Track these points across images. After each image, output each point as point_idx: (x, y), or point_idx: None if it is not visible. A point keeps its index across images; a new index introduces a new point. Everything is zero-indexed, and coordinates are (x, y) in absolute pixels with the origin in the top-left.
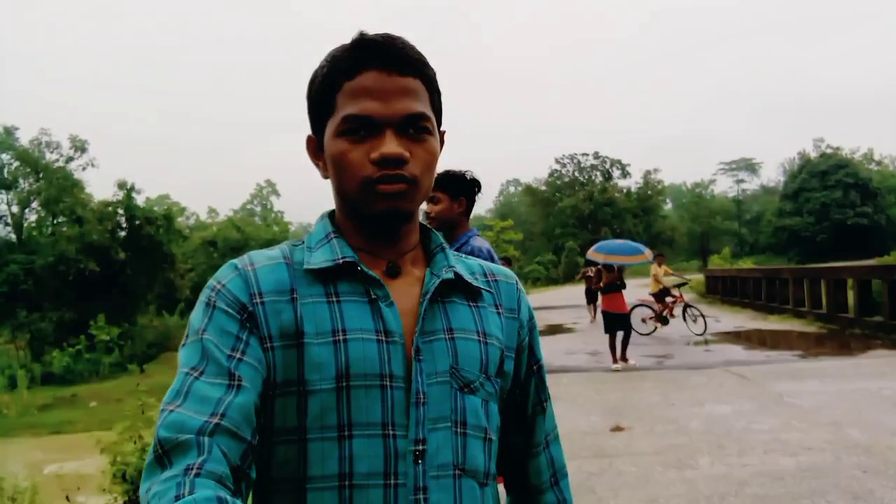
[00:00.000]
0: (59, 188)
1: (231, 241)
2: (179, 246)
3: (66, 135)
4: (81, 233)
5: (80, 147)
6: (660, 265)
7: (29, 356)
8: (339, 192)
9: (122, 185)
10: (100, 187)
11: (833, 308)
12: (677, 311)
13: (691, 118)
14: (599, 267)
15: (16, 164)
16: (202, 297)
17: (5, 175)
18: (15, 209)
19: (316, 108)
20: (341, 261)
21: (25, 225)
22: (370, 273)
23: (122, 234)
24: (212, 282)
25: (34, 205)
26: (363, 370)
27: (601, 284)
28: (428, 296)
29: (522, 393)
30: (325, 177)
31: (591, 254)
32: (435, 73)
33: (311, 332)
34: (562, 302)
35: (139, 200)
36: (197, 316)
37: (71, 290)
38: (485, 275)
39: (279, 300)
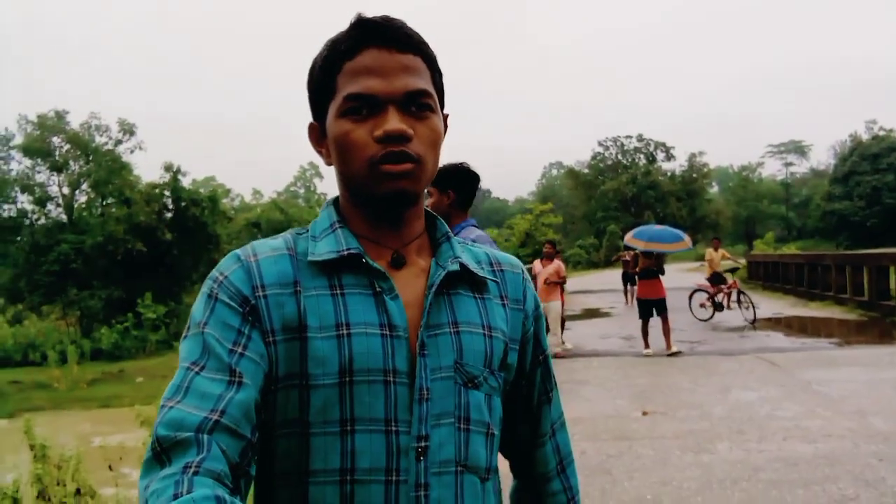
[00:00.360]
0: (108, 170)
1: (274, 222)
2: (224, 227)
3: (115, 118)
4: (129, 214)
5: (128, 130)
6: (716, 249)
7: (79, 332)
8: (344, 177)
9: (168, 168)
10: (147, 169)
11: (875, 295)
12: (734, 298)
13: (739, 99)
14: (637, 252)
15: (67, 146)
16: (204, 289)
17: (57, 157)
18: (66, 191)
19: (317, 94)
20: (346, 252)
21: (76, 206)
22: (375, 265)
23: (169, 215)
24: (214, 273)
25: (84, 186)
26: (366, 365)
27: (637, 270)
28: (433, 289)
29: (528, 384)
30: (329, 163)
31: (630, 240)
32: (435, 55)
33: (315, 325)
34: (600, 286)
35: (185, 182)
36: (199, 308)
37: (119, 270)
38: (491, 264)
39: (282, 293)
